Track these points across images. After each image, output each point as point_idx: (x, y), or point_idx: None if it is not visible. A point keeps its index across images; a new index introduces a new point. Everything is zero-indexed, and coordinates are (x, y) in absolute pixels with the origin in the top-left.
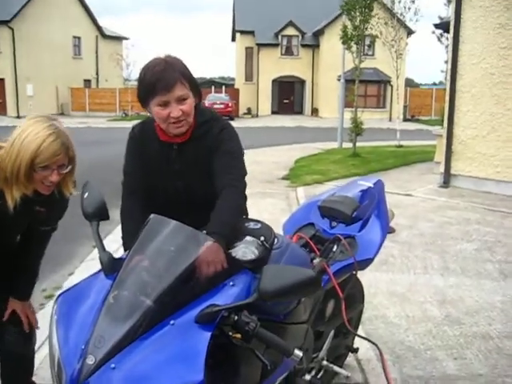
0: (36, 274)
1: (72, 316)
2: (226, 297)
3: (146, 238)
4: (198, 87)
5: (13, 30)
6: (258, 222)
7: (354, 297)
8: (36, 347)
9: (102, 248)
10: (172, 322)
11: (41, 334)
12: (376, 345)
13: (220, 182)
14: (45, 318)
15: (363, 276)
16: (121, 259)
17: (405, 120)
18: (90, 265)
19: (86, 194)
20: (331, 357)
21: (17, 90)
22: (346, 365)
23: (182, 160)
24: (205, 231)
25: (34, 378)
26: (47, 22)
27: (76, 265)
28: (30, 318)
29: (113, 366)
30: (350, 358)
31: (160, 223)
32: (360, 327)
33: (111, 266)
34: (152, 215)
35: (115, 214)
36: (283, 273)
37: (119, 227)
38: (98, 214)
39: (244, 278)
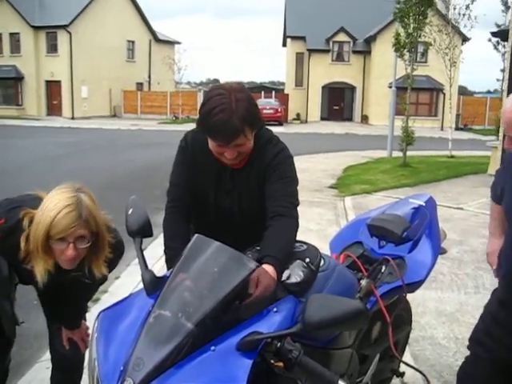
0: (84, 310)
1: (112, 334)
2: (270, 324)
3: (190, 258)
4: (261, 122)
5: (70, 33)
6: (303, 243)
7: (402, 319)
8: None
9: (145, 266)
10: (213, 347)
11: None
12: (423, 374)
13: (275, 208)
14: (88, 321)
15: (411, 294)
16: (163, 278)
17: (457, 129)
18: (135, 269)
19: (131, 211)
20: (376, 380)
21: (72, 91)
22: None
23: (235, 180)
24: (249, 253)
25: None
26: (103, 27)
27: (122, 268)
28: (84, 340)
29: None
30: (396, 381)
31: (204, 244)
32: (407, 349)
33: (153, 285)
34: (196, 235)
35: (161, 218)
36: (330, 303)
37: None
38: (142, 231)
39: (288, 304)
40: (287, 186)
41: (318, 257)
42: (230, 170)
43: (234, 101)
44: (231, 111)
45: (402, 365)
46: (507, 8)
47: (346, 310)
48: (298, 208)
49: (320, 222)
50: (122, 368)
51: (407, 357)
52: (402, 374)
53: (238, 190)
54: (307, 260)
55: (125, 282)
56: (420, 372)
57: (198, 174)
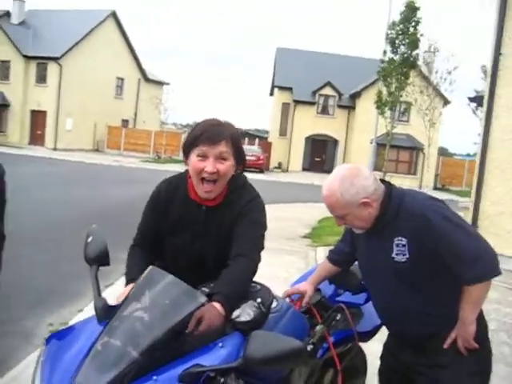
0: None
1: (59, 359)
2: (214, 358)
3: (142, 288)
4: (243, 157)
5: (61, 66)
6: (257, 284)
7: (356, 368)
8: None
9: (98, 293)
10: (155, 377)
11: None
12: None
13: (237, 249)
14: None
15: (369, 344)
16: (115, 307)
17: (435, 188)
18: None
19: (90, 239)
20: None
21: (57, 123)
22: None
23: (208, 222)
24: (204, 288)
25: None
26: (94, 62)
27: (86, 302)
28: None
29: None
30: None
31: (158, 275)
32: None
33: (105, 313)
34: (150, 267)
35: (124, 256)
36: (271, 340)
37: (123, 278)
38: (99, 259)
39: (234, 340)
40: (254, 230)
41: (270, 298)
42: (203, 211)
43: (224, 123)
44: (219, 124)
45: None
46: (486, 75)
47: (286, 347)
48: (269, 254)
49: (289, 270)
50: None
51: None
52: None
53: (210, 231)
54: (258, 300)
55: (88, 316)
56: None
57: (171, 216)
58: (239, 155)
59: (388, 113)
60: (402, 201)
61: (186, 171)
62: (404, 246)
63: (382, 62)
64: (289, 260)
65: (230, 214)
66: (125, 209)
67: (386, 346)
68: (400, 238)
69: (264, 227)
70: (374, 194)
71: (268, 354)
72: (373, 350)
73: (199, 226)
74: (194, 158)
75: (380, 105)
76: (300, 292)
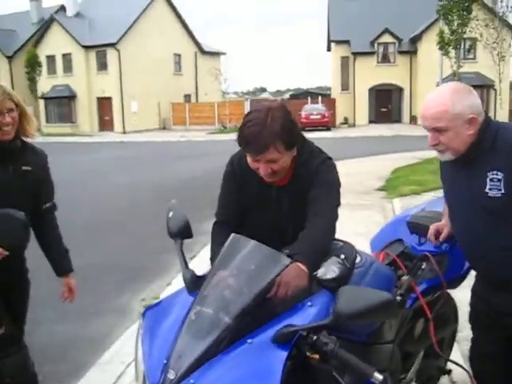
0: (66, 250)
1: (156, 331)
2: (304, 317)
3: (227, 256)
4: (299, 140)
5: (119, 51)
6: (340, 241)
7: (446, 316)
8: (133, 357)
9: (185, 265)
10: (249, 340)
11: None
12: (467, 371)
13: (312, 210)
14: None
15: (458, 292)
16: (203, 276)
17: None
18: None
19: (171, 214)
20: (422, 378)
21: (122, 107)
22: None
23: (281, 199)
24: (287, 251)
25: None
26: (150, 42)
27: (173, 275)
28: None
29: (192, 381)
30: (445, 380)
31: (240, 242)
32: (456, 347)
33: (194, 284)
34: (233, 234)
35: (204, 227)
36: (360, 295)
37: (206, 248)
38: (182, 233)
39: (322, 298)
40: (327, 190)
41: (353, 253)
42: (275, 189)
43: (270, 117)
44: (264, 125)
45: (449, 363)
46: None
47: (375, 300)
48: (345, 210)
49: (368, 225)
50: (165, 362)
51: (456, 355)
52: (448, 372)
53: (286, 206)
54: (342, 256)
55: (177, 288)
56: (464, 369)
57: (246, 196)
58: (293, 143)
59: (453, 52)
60: (499, 132)
61: None
62: (499, 180)
63: None
64: (366, 214)
65: (302, 186)
66: (200, 182)
67: (474, 290)
68: (495, 172)
69: (337, 185)
70: (479, 115)
71: (358, 308)
72: (463, 297)
73: (272, 204)
74: (248, 156)
75: (443, 45)
76: (440, 227)
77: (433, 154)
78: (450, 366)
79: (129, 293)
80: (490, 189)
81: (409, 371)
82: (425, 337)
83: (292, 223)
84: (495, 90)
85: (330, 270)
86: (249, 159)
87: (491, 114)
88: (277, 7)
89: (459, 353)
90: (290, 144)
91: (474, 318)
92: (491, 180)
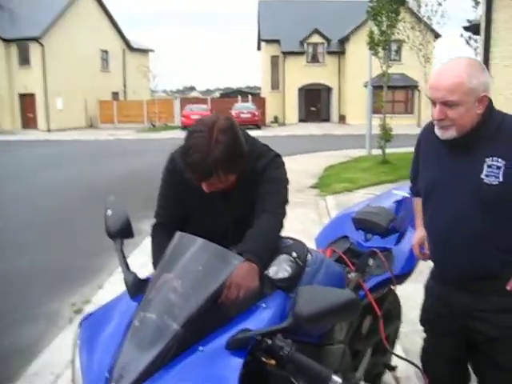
0: None
1: (96, 341)
2: (259, 320)
3: (173, 257)
4: (241, 166)
5: (43, 45)
6: (290, 238)
7: (391, 313)
8: (63, 367)
9: (127, 268)
10: (201, 348)
11: (68, 352)
12: (416, 365)
13: (259, 207)
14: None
15: (398, 288)
16: (147, 280)
17: None
18: (119, 278)
19: (110, 212)
20: (368, 376)
21: (47, 104)
22: (382, 383)
23: (228, 201)
24: (234, 250)
25: None
26: (76, 37)
27: (105, 278)
28: None
29: None
30: (388, 375)
31: (186, 241)
32: (398, 343)
33: (136, 288)
34: (178, 233)
35: (144, 225)
36: (320, 295)
37: (148, 239)
38: (122, 232)
39: (278, 299)
40: (274, 186)
41: (304, 251)
42: (219, 197)
43: (214, 141)
44: (206, 153)
45: (394, 359)
46: (477, 3)
47: (337, 300)
48: None
49: (303, 222)
50: (107, 375)
51: (398, 351)
52: (394, 368)
53: (231, 208)
54: (294, 254)
55: (109, 292)
56: (413, 364)
57: (189, 197)
58: (234, 169)
59: (382, 52)
60: (505, 119)
61: None
62: (499, 168)
63: (371, 0)
64: (301, 212)
65: (248, 188)
66: (132, 180)
67: (430, 292)
68: (496, 158)
69: (285, 181)
70: (488, 96)
71: (319, 309)
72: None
73: (215, 207)
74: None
75: (373, 45)
76: (422, 239)
77: (362, 152)
78: (394, 362)
79: (58, 297)
80: (487, 175)
81: (357, 370)
82: (372, 334)
83: (234, 223)
84: (419, 90)
85: (281, 268)
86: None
87: (415, 114)
88: (208, 7)
89: (400, 348)
90: (234, 171)
91: (429, 322)
92: (489, 166)
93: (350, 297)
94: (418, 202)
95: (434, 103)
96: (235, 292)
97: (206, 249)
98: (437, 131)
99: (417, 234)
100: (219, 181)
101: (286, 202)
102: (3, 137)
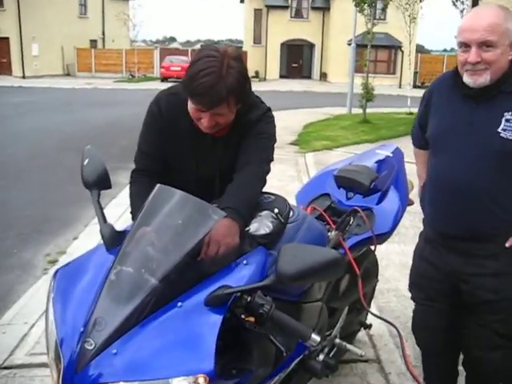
0: None
1: (70, 293)
2: (239, 277)
3: (152, 209)
4: (249, 98)
5: None
6: (271, 194)
7: (369, 272)
8: (36, 317)
9: (103, 219)
10: (179, 303)
11: (42, 303)
12: (392, 324)
13: (243, 159)
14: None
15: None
16: (124, 232)
17: (415, 87)
18: (94, 229)
19: (87, 161)
20: (344, 333)
21: (22, 49)
22: (356, 340)
23: (216, 147)
24: (215, 205)
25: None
26: None
27: (80, 229)
28: None
29: (114, 351)
30: (361, 334)
31: (166, 194)
32: (372, 301)
33: (113, 240)
34: (158, 185)
35: (120, 176)
36: (304, 253)
37: (124, 191)
38: (99, 183)
39: (259, 256)
40: (261, 141)
41: (286, 207)
42: (210, 139)
43: (226, 67)
44: (220, 76)
45: (369, 317)
46: None
47: (321, 259)
48: None
49: (281, 179)
50: (82, 329)
51: (373, 309)
52: (369, 326)
53: (219, 156)
54: (276, 211)
55: (84, 243)
56: (389, 322)
57: (174, 141)
58: (243, 99)
59: (367, 9)
60: None
61: None
62: None
63: None
64: (279, 168)
65: (239, 137)
66: (109, 130)
67: (421, 255)
68: None
69: (273, 139)
70: None
71: (303, 267)
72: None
73: (204, 154)
74: (191, 104)
75: (359, 1)
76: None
77: (343, 111)
78: (369, 320)
79: (32, 247)
80: (504, 129)
81: (334, 328)
82: (350, 293)
83: (221, 174)
84: (402, 51)
85: (263, 225)
86: (190, 106)
87: (397, 75)
88: None
89: (375, 306)
90: (242, 100)
91: (419, 286)
92: (507, 121)
93: (334, 256)
94: (420, 154)
95: (466, 47)
96: (214, 249)
97: (186, 202)
98: (467, 78)
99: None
100: (229, 110)
101: (271, 158)
102: None
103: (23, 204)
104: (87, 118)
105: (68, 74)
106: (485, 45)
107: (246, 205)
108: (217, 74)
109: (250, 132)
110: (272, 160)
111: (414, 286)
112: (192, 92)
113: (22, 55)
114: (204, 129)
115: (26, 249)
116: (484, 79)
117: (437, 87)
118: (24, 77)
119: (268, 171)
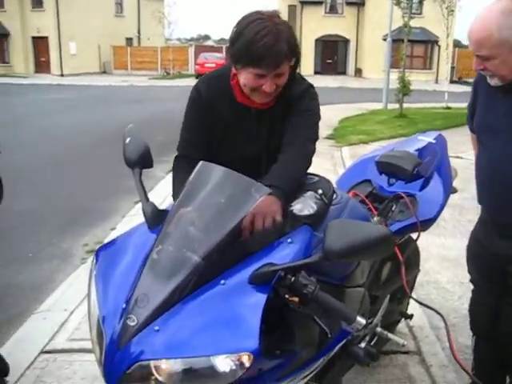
0: None
1: (112, 271)
2: (284, 255)
3: (194, 187)
4: (298, 47)
5: None
6: (315, 175)
7: (410, 260)
8: (76, 304)
9: (146, 198)
10: (223, 281)
11: (81, 291)
12: (437, 311)
13: (288, 139)
14: (87, 273)
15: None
16: (166, 211)
17: (451, 82)
18: (132, 219)
19: (129, 140)
20: (384, 323)
21: (60, 48)
22: (396, 331)
23: (260, 124)
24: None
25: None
26: None
27: (118, 220)
28: None
29: (156, 328)
30: (401, 325)
31: (209, 171)
32: (412, 293)
33: (155, 218)
34: (201, 162)
35: (156, 169)
36: (353, 229)
37: (161, 183)
38: (141, 161)
39: (303, 234)
40: (306, 119)
41: (330, 189)
42: (254, 115)
43: (276, 24)
44: (277, 33)
45: (409, 307)
46: None
47: (371, 235)
48: None
49: (318, 172)
50: (124, 306)
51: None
52: (410, 317)
53: (265, 131)
54: (320, 192)
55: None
56: (434, 309)
57: (219, 121)
58: (296, 52)
59: (404, 2)
60: None
61: (224, 71)
62: None
63: None
64: (315, 161)
65: (284, 111)
66: (144, 126)
67: (475, 237)
68: None
69: (318, 116)
70: None
71: (350, 243)
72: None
73: (250, 130)
74: (248, 74)
75: None
76: None
77: (378, 106)
78: (410, 310)
79: (71, 238)
80: None
81: (375, 316)
82: (391, 281)
83: (268, 154)
84: (439, 46)
85: (307, 205)
86: (247, 77)
87: (434, 70)
88: None
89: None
90: (296, 55)
91: (471, 263)
92: None
93: (384, 232)
94: (474, 138)
95: None
96: (260, 221)
97: (229, 178)
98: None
99: None
100: (287, 67)
101: (316, 137)
102: (16, 80)
103: (63, 197)
104: (123, 114)
105: (104, 72)
106: (479, 57)
107: (289, 184)
108: (273, 32)
109: (295, 108)
110: (317, 139)
111: (468, 262)
112: (254, 55)
113: (61, 54)
114: (264, 97)
115: (64, 239)
116: (495, 82)
117: (481, 79)
118: (62, 75)
119: (313, 151)
